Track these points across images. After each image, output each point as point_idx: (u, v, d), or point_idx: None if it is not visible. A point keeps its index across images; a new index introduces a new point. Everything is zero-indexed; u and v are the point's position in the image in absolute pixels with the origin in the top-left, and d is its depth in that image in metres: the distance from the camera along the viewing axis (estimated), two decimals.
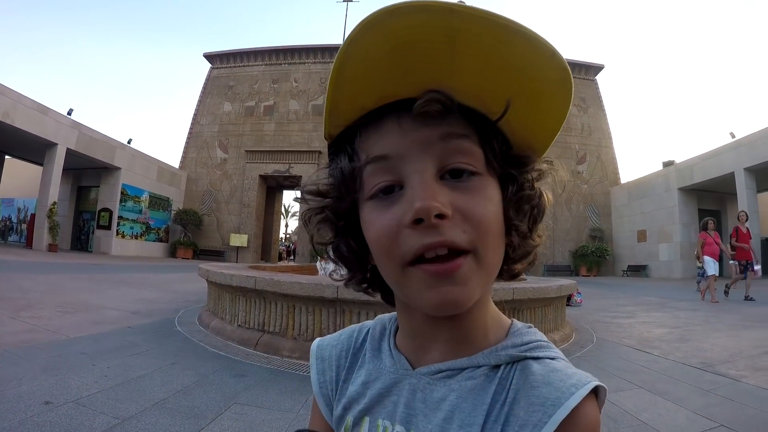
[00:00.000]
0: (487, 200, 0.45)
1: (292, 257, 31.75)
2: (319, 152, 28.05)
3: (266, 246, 31.36)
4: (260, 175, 28.92)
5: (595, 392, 0.44)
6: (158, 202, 26.96)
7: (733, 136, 21.28)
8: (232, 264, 11.54)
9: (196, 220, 27.67)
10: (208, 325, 5.15)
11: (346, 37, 0.40)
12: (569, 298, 9.43)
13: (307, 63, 31.15)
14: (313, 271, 8.07)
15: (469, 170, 0.45)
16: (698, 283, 14.15)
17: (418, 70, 0.42)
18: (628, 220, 27.16)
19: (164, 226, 27.68)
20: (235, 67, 32.01)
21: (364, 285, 0.57)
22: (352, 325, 0.65)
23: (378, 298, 0.59)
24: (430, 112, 0.43)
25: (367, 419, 0.53)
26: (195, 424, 2.53)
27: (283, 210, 50.70)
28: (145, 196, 25.67)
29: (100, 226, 23.46)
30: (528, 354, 0.48)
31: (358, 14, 33.61)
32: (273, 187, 31.61)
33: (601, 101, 31.22)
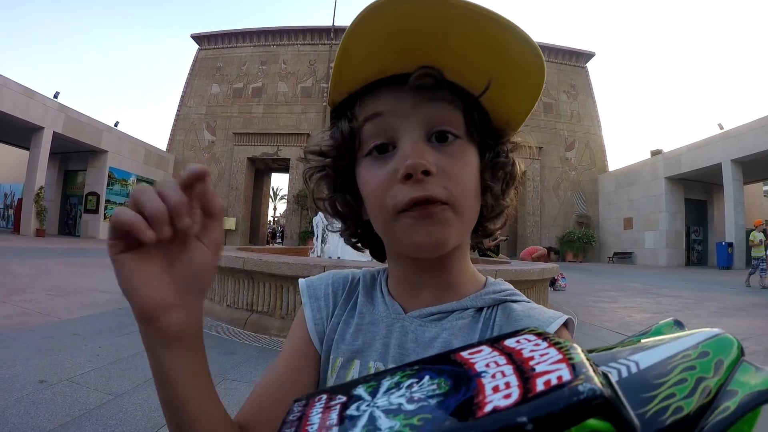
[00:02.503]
0: (466, 164, 0.53)
1: (279, 240, 31.29)
2: (308, 134, 27.87)
3: (254, 229, 31.26)
4: (248, 158, 28.75)
5: (566, 325, 0.53)
6: None
7: (721, 127, 21.50)
8: None
9: None
10: None
11: (352, 18, 0.47)
12: (554, 282, 9.60)
13: (296, 44, 30.83)
14: (303, 253, 8.14)
15: (452, 134, 0.52)
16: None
17: (414, 50, 0.49)
18: (615, 207, 27.47)
19: None
20: (223, 48, 31.63)
21: (354, 239, 0.64)
22: (338, 270, 0.70)
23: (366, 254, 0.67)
24: (424, 84, 0.50)
25: (357, 362, 0.58)
26: None
27: (271, 193, 50.31)
28: (132, 180, 25.43)
29: (87, 210, 23.24)
30: (508, 298, 0.57)
31: None
32: (261, 169, 31.44)
33: (591, 88, 31.33)
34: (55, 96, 20.32)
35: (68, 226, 24.71)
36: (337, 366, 0.59)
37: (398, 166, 0.50)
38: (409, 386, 0.27)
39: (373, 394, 0.28)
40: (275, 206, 67.17)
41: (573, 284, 10.56)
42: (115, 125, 24.47)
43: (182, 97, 30.99)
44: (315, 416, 0.29)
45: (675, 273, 16.37)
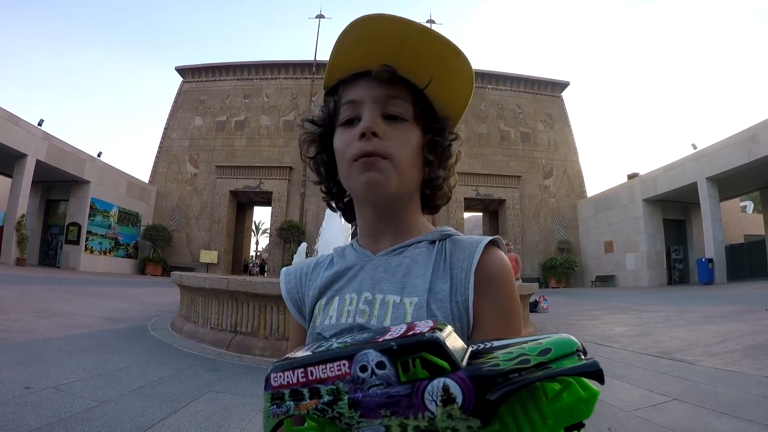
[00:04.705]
0: (408, 136, 0.72)
1: (260, 274, 30.14)
2: (290, 168, 28.01)
3: (237, 263, 30.80)
4: (231, 191, 28.57)
5: (496, 243, 0.72)
6: (127, 218, 26.46)
7: (694, 147, 21.97)
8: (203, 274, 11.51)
9: (166, 236, 27.08)
10: (181, 330, 5.25)
11: (341, 31, 0.70)
12: (536, 305, 9.73)
13: (279, 78, 31.18)
14: None
15: (401, 116, 0.72)
16: None
17: (380, 53, 0.70)
18: (595, 231, 27.78)
19: (133, 241, 27.10)
20: (206, 81, 31.80)
21: (328, 197, 0.84)
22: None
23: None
24: (382, 77, 0.71)
25: (336, 298, 0.73)
26: (171, 406, 2.69)
27: (253, 227, 49.88)
28: (114, 211, 25.20)
29: (68, 241, 22.81)
30: (453, 233, 0.76)
31: (329, 31, 34.10)
32: (244, 203, 31.22)
33: (566, 117, 31.98)
34: (40, 123, 20.19)
35: (49, 257, 24.22)
36: (321, 306, 0.74)
37: (358, 129, 0.70)
38: (352, 337, 0.46)
39: (331, 343, 0.46)
40: (257, 240, 66.49)
41: (556, 307, 10.71)
42: (98, 156, 24.34)
43: (165, 129, 30.88)
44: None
45: (657, 291, 16.63)
